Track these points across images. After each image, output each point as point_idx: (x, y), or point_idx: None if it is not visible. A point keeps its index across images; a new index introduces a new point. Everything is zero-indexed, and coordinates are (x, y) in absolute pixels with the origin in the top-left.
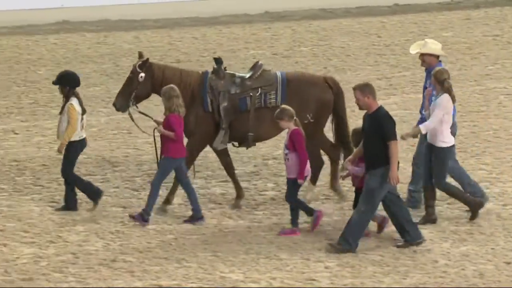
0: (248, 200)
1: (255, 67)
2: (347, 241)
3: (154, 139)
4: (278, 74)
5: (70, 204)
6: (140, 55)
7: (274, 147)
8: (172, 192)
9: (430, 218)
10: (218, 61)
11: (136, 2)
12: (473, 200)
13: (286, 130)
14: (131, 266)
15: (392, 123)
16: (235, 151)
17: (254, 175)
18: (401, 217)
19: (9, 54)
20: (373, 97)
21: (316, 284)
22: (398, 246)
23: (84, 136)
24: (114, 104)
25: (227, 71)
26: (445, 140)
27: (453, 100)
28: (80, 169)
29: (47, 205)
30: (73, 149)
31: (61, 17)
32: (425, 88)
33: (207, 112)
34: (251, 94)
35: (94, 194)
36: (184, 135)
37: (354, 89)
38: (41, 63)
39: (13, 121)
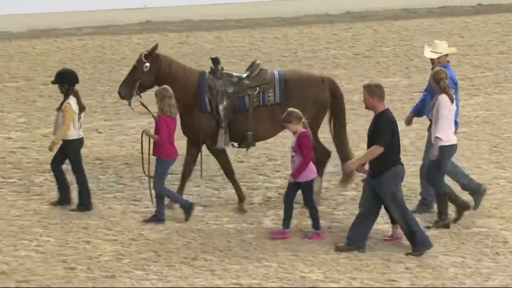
0: (328, 200)
1: (252, 66)
2: (419, 246)
3: (142, 142)
4: (276, 73)
5: (63, 196)
6: (155, 47)
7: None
8: (238, 190)
9: (443, 224)
10: (215, 61)
11: (218, 2)
12: (461, 201)
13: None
14: (211, 265)
15: (389, 128)
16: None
17: (335, 175)
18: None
19: (94, 53)
20: (379, 99)
21: (396, 285)
22: (339, 248)
23: (81, 135)
24: (119, 92)
25: (225, 71)
26: (443, 138)
27: (451, 100)
28: None
29: (129, 203)
30: (72, 148)
31: (144, 17)
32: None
33: (207, 113)
34: (249, 92)
35: (67, 196)
36: (185, 136)
37: (364, 87)
38: (124, 63)
39: (97, 120)
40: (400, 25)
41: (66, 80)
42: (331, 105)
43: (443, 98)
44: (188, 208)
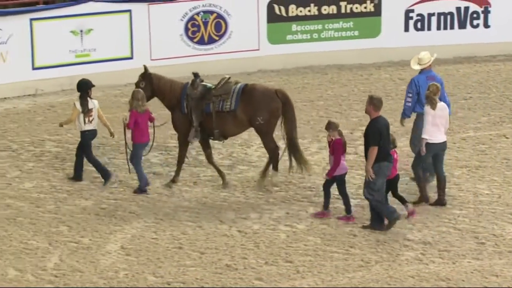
0: None
1: (221, 79)
2: (388, 216)
3: (124, 125)
4: (237, 86)
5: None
6: (145, 68)
7: None
8: (177, 172)
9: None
10: (196, 75)
11: None
12: (425, 194)
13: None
14: None
15: (377, 132)
16: None
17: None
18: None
19: (505, 76)
20: (374, 108)
21: None
22: (365, 227)
23: (88, 128)
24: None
25: (202, 83)
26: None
27: (433, 108)
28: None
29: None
30: (83, 137)
31: None
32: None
33: (184, 114)
34: (213, 100)
35: (78, 174)
36: (174, 129)
37: (368, 96)
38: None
39: (505, 128)
40: None
41: (77, 88)
42: (284, 111)
43: (427, 107)
44: (140, 188)
